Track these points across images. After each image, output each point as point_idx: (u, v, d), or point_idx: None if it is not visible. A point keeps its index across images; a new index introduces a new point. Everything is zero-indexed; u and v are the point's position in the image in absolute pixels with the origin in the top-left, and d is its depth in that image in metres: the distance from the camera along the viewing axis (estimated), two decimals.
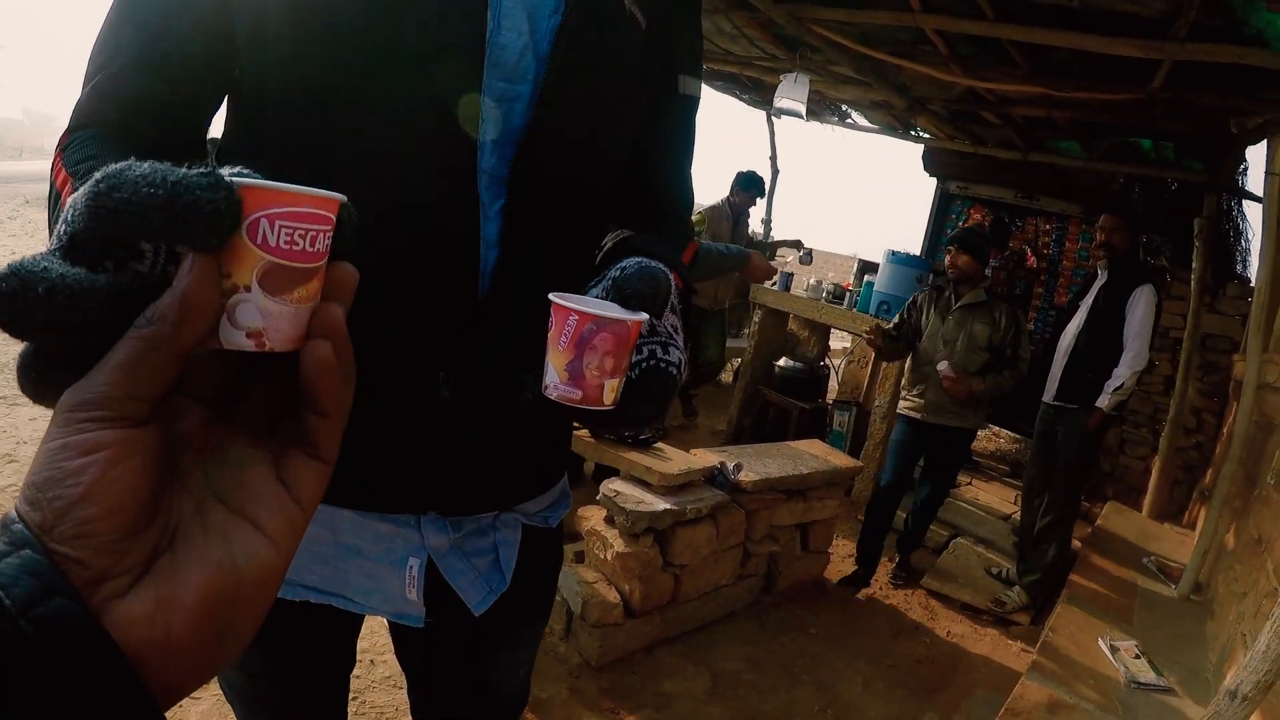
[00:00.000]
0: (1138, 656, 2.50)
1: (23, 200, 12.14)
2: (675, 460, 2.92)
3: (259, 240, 0.36)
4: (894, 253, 4.87)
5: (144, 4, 0.68)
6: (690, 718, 2.47)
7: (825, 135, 6.08)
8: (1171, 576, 3.41)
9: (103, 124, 0.67)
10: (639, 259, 0.67)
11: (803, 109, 4.46)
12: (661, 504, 2.69)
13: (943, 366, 3.38)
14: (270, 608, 0.37)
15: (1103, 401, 3.38)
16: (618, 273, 0.65)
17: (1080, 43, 3.08)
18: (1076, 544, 3.86)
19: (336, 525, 0.81)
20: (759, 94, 5.84)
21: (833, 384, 5.85)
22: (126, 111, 0.68)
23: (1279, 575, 2.32)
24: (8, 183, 14.25)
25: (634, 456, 2.84)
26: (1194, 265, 4.56)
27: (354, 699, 2.21)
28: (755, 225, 6.36)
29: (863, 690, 2.82)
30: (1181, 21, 2.71)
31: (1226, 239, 4.96)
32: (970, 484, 4.94)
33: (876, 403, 4.71)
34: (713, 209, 4.87)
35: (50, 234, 0.42)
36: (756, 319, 5.44)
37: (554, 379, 0.60)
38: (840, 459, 3.72)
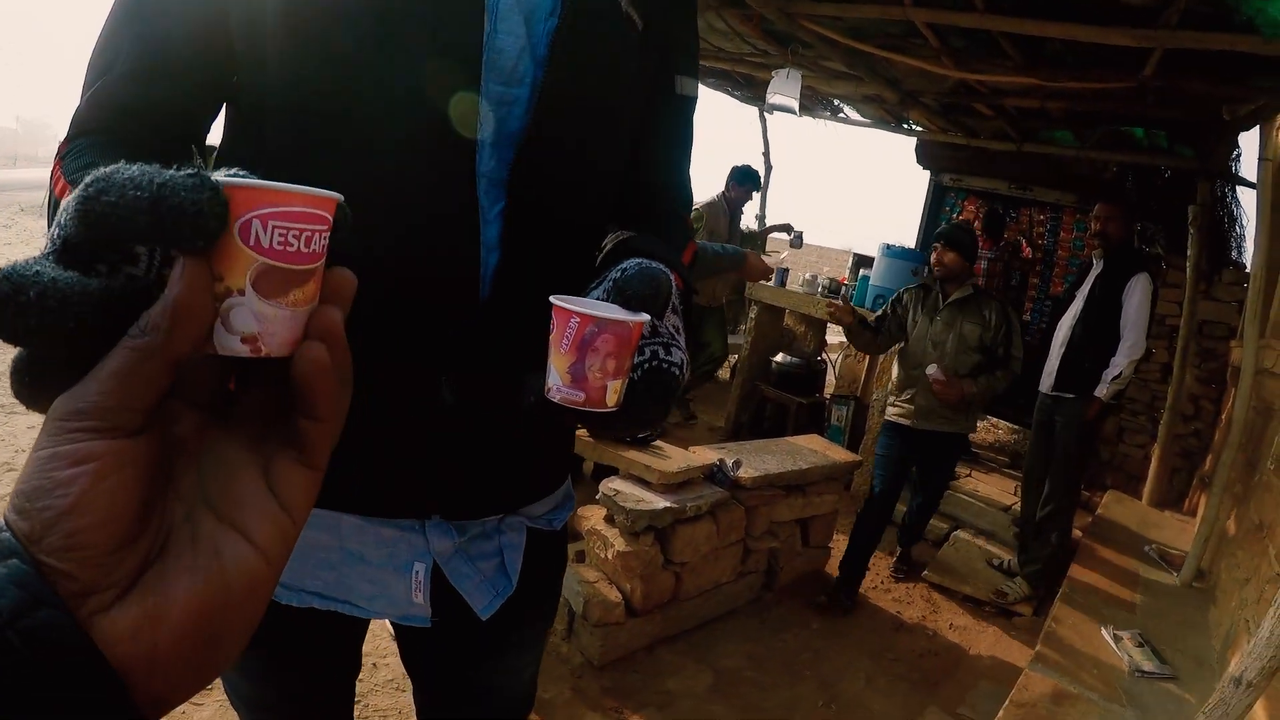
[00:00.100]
0: (1141, 645, 2.49)
1: (18, 208, 12.13)
2: (674, 458, 2.91)
3: (251, 241, 0.35)
4: (889, 246, 4.87)
5: (142, 13, 0.69)
6: (693, 716, 2.47)
7: (818, 130, 6.09)
8: (1173, 564, 3.41)
9: (101, 131, 0.67)
10: (639, 260, 0.67)
11: (795, 105, 4.46)
12: (661, 502, 2.69)
13: (932, 370, 3.23)
14: (261, 618, 0.37)
15: (1101, 391, 3.39)
16: (618, 274, 0.65)
17: (1071, 32, 3.07)
18: (1077, 533, 3.86)
19: (340, 531, 0.80)
20: (751, 90, 5.84)
21: (830, 379, 5.85)
22: (125, 119, 0.68)
23: None
24: (3, 190, 14.23)
25: (633, 455, 2.83)
26: (1189, 252, 4.57)
27: (357, 702, 2.21)
28: (749, 221, 6.37)
29: (865, 685, 2.81)
30: (1172, 9, 2.71)
31: (1221, 225, 4.97)
32: (970, 475, 4.94)
33: (874, 397, 4.71)
34: (710, 205, 4.86)
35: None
36: (752, 315, 5.43)
37: (556, 381, 0.60)
38: (839, 453, 3.72)
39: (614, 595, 2.62)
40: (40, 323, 0.31)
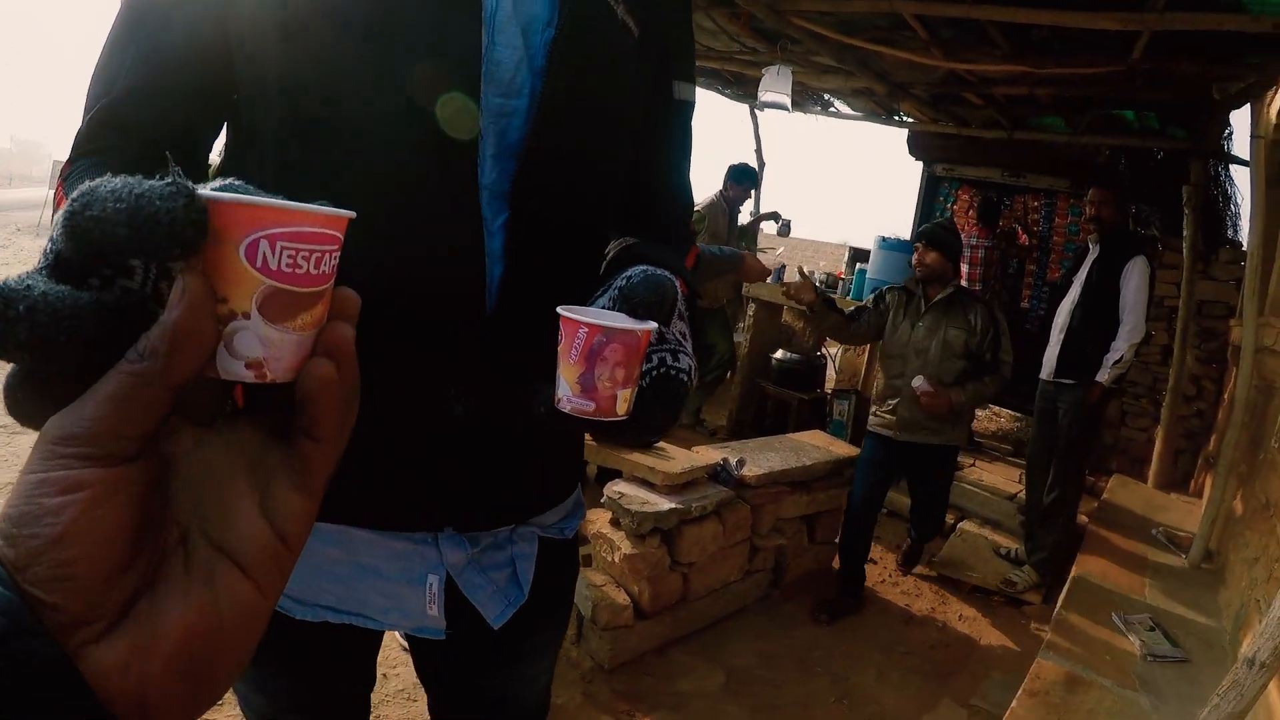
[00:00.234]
0: (1152, 629, 2.49)
1: (14, 228, 12.13)
2: (678, 459, 2.91)
3: (259, 263, 0.34)
4: (885, 239, 4.87)
5: (140, 34, 0.69)
6: (706, 716, 2.46)
7: (809, 125, 6.11)
8: (1181, 546, 3.40)
9: (103, 151, 0.68)
10: (644, 267, 0.67)
11: (788, 101, 4.46)
12: (666, 504, 2.68)
13: (918, 382, 3.06)
14: (254, 650, 0.36)
15: (1102, 375, 3.38)
16: (624, 282, 0.65)
17: (1059, 19, 3.08)
18: (1083, 519, 3.85)
19: (352, 545, 0.80)
20: (741, 88, 5.84)
21: (830, 373, 5.85)
22: (127, 139, 0.68)
23: None
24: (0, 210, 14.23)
25: (636, 457, 2.83)
26: (1185, 233, 4.57)
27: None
28: (743, 217, 6.35)
29: (877, 679, 2.81)
30: None
31: (1215, 205, 4.97)
32: (974, 465, 4.93)
33: (876, 393, 4.71)
34: (710, 206, 4.84)
35: None
36: (750, 313, 5.43)
37: (566, 392, 0.60)
38: (842, 448, 3.71)
39: (622, 598, 2.61)
40: (30, 337, 0.31)
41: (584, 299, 0.68)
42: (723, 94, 6.20)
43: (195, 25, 0.69)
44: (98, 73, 0.70)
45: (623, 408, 0.60)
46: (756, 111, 6.25)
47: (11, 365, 0.33)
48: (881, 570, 3.68)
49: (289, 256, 0.34)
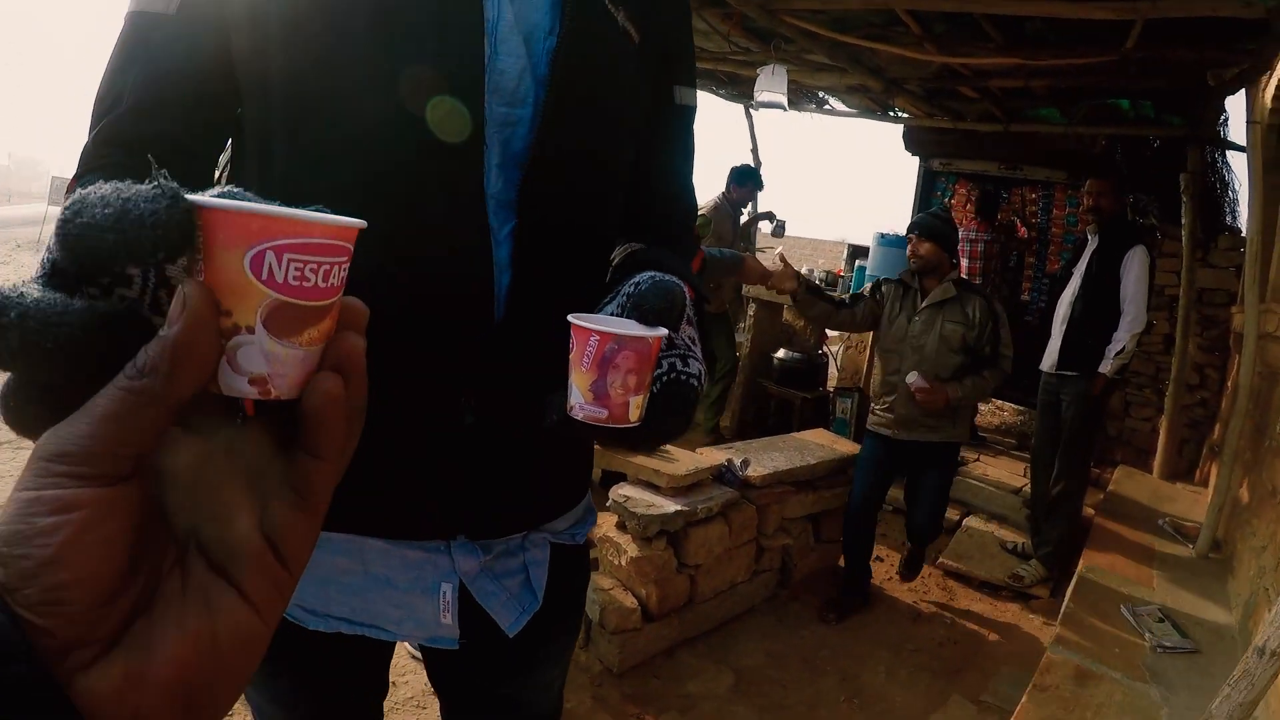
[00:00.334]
0: (1161, 620, 2.48)
1: (14, 244, 12.17)
2: (682, 461, 2.91)
3: (264, 275, 0.32)
4: (883, 235, 4.87)
5: (144, 49, 0.70)
6: (715, 717, 2.46)
7: (804, 123, 6.09)
8: (1188, 536, 3.39)
9: (108, 168, 0.68)
10: (652, 273, 0.67)
11: (784, 100, 4.46)
12: (672, 506, 2.68)
13: (913, 378, 2.97)
14: (252, 675, 0.35)
15: (1105, 367, 3.37)
16: (632, 288, 0.65)
17: (1052, 10, 3.08)
18: (1089, 511, 3.84)
19: (365, 556, 0.80)
20: (735, 88, 5.85)
21: (832, 371, 5.84)
22: (131, 155, 0.69)
23: None
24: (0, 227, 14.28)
25: (641, 460, 2.82)
26: (1183, 221, 4.55)
27: None
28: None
29: (886, 677, 2.80)
30: None
31: (1213, 191, 4.96)
32: (978, 460, 4.92)
33: (874, 391, 4.70)
34: (715, 209, 4.80)
35: None
36: (751, 313, 5.43)
37: (579, 400, 0.60)
38: (846, 446, 3.71)
39: (630, 601, 2.61)
40: (22, 343, 0.31)
41: (591, 306, 0.69)
42: (717, 94, 6.20)
43: (197, 41, 0.70)
44: (102, 90, 0.70)
45: (635, 414, 0.61)
46: (752, 111, 6.24)
47: (8, 374, 0.33)
48: (888, 568, 3.67)
49: (296, 269, 0.33)
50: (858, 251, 5.31)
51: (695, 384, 0.65)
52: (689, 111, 0.95)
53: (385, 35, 0.68)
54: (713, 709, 2.49)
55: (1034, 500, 3.80)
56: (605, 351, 0.58)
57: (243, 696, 1.03)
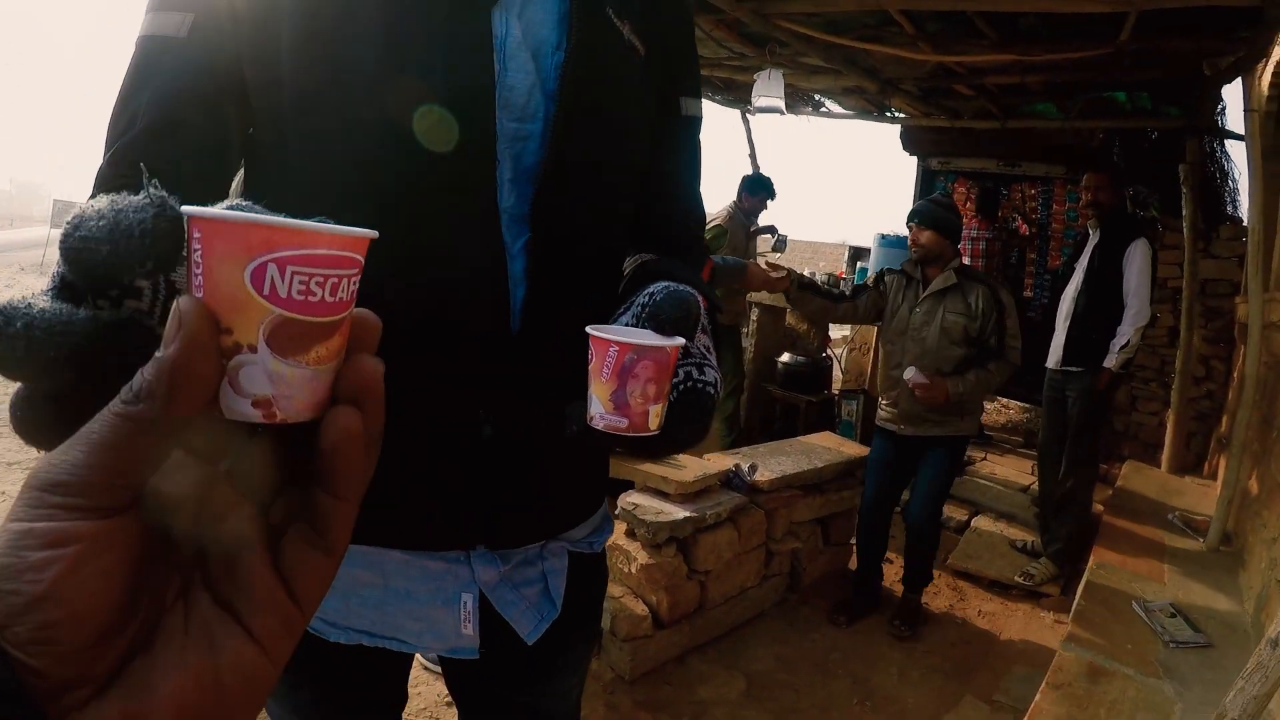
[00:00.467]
0: (1173, 615, 2.47)
1: (18, 268, 12.25)
2: (690, 467, 2.91)
3: (266, 290, 0.30)
4: (884, 236, 4.87)
5: (156, 72, 0.70)
6: None
7: (801, 126, 6.09)
8: (1198, 530, 3.37)
9: (122, 189, 0.68)
10: (666, 283, 0.68)
11: (781, 104, 4.46)
12: (681, 512, 2.68)
13: (910, 373, 2.88)
14: (256, 716, 0.34)
15: (1110, 361, 3.37)
16: (647, 299, 0.67)
17: (1045, 5, 3.08)
18: (1098, 507, 3.83)
19: (385, 568, 0.81)
20: (732, 93, 5.85)
21: (836, 374, 5.83)
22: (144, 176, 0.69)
23: None
24: (3, 252, 14.37)
25: (649, 467, 2.82)
26: (1184, 212, 4.54)
27: None
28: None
29: (899, 679, 2.79)
30: None
31: (1213, 181, 4.95)
32: (985, 459, 4.91)
33: (878, 387, 4.70)
34: (729, 218, 4.73)
35: None
36: (754, 318, 5.43)
37: (599, 410, 0.61)
38: (853, 448, 3.71)
39: (640, 608, 2.61)
40: (28, 352, 0.32)
41: (605, 317, 0.70)
42: (714, 100, 6.21)
43: (208, 63, 0.71)
44: (115, 113, 0.71)
45: (654, 423, 0.62)
46: (749, 116, 6.25)
47: (19, 384, 0.34)
48: (899, 569, 3.65)
49: (301, 282, 0.31)
50: (859, 253, 5.30)
51: (712, 392, 0.66)
52: (695, 122, 0.97)
53: (396, 54, 0.69)
54: (725, 714, 2.49)
55: (1042, 498, 3.78)
56: (625, 362, 0.59)
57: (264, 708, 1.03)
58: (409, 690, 2.47)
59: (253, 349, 0.31)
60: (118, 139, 0.70)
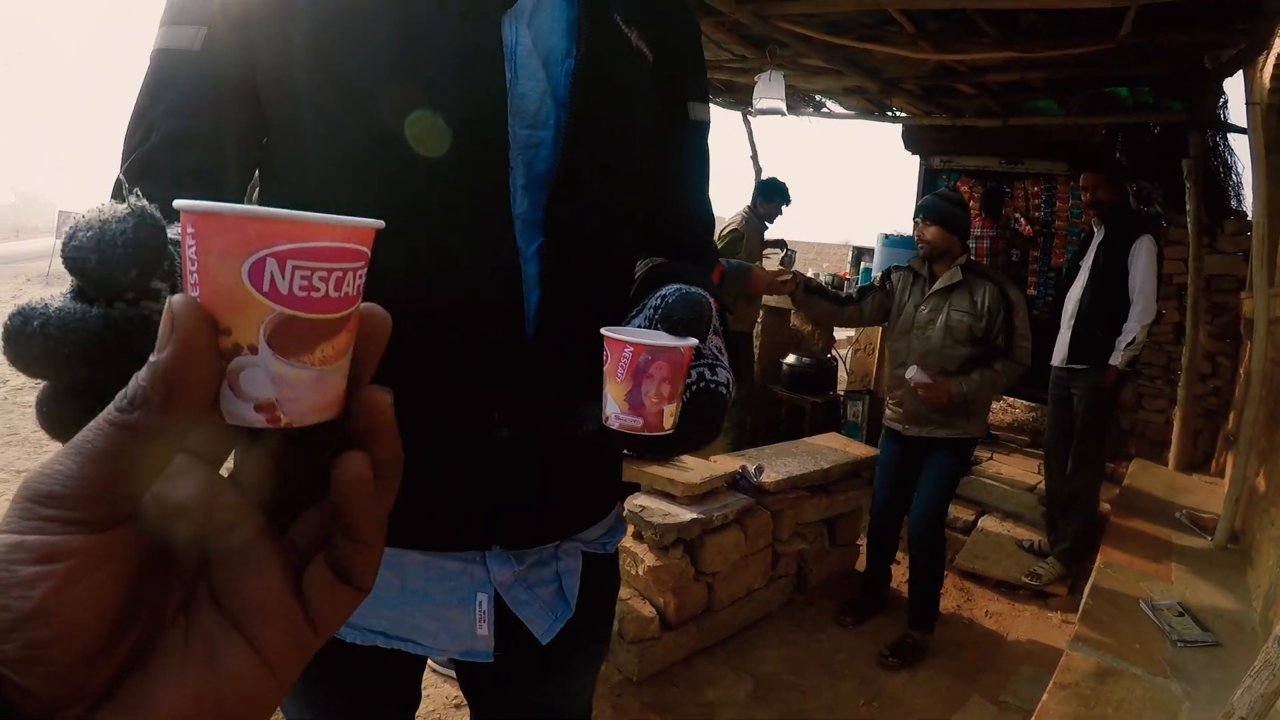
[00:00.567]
0: (1181, 614, 2.46)
1: (24, 279, 12.32)
2: (696, 469, 2.91)
3: (266, 286, 0.29)
4: (888, 235, 4.86)
5: (171, 85, 0.72)
6: None
7: (802, 127, 6.08)
8: (1205, 528, 3.36)
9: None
10: (677, 286, 0.70)
11: (782, 105, 4.47)
12: (688, 514, 2.69)
13: (912, 372, 2.80)
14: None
15: (1116, 359, 3.36)
16: (659, 301, 0.68)
17: (1045, 2, 3.07)
18: (1105, 506, 3.81)
19: (403, 568, 0.82)
20: (733, 95, 5.86)
21: (842, 375, 5.82)
22: (162, 186, 0.71)
23: None
24: (9, 263, 14.48)
25: (655, 469, 2.83)
26: (1188, 207, 4.50)
27: None
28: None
29: (906, 680, 2.79)
30: None
31: (1217, 176, 4.92)
32: (991, 458, 4.89)
33: (885, 386, 4.69)
34: (745, 223, 4.71)
35: None
36: (759, 320, 5.42)
37: (614, 409, 0.63)
38: (859, 449, 3.71)
39: (648, 610, 2.62)
40: (44, 349, 0.33)
41: (618, 320, 0.72)
42: (715, 102, 6.21)
43: (222, 75, 0.72)
44: (131, 125, 0.73)
45: (669, 422, 0.63)
46: (750, 118, 6.26)
47: (44, 384, 0.36)
48: (906, 570, 3.65)
49: (303, 277, 0.29)
50: (863, 254, 5.29)
51: (724, 392, 0.67)
52: (703, 127, 0.98)
53: (410, 63, 0.70)
54: (732, 716, 2.49)
55: (1049, 497, 3.77)
56: (639, 362, 0.60)
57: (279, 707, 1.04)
58: None
59: (253, 350, 0.29)
60: (134, 150, 0.72)
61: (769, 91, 4.33)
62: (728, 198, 5.93)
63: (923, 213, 2.90)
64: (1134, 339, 3.33)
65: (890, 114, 5.84)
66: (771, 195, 4.86)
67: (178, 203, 0.29)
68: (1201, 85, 4.19)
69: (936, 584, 3.01)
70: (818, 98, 5.85)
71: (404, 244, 0.68)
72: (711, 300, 0.71)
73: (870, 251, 5.08)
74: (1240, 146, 4.91)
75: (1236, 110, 4.61)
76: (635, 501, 2.74)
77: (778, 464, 3.24)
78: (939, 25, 3.76)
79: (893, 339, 3.01)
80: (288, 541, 0.33)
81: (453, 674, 2.46)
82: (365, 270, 0.31)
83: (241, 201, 0.78)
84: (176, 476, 0.31)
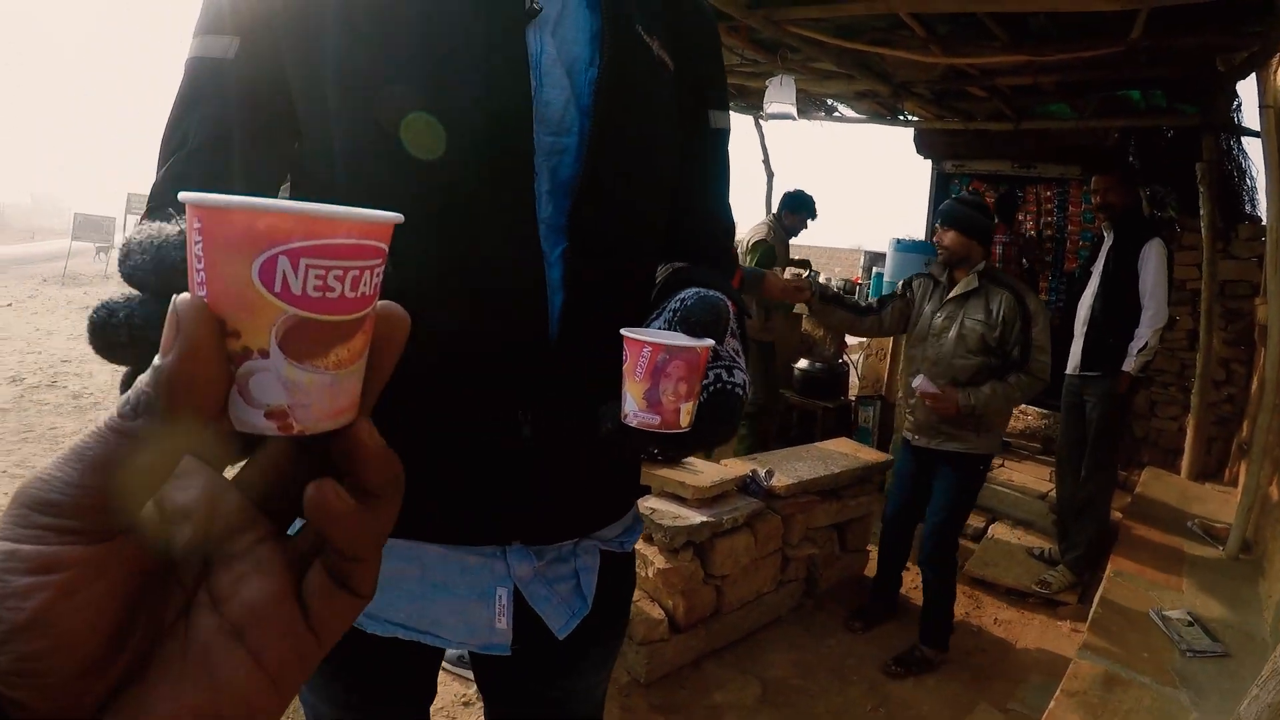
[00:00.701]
0: (1190, 624, 2.45)
1: (41, 279, 12.48)
2: (707, 472, 2.92)
3: (277, 286, 0.27)
4: (900, 240, 4.85)
5: (205, 92, 0.75)
6: None
7: (814, 131, 6.08)
8: (1217, 537, 3.33)
9: (172, 204, 0.74)
10: (696, 289, 0.72)
11: (793, 110, 4.48)
12: (698, 517, 2.70)
13: (918, 382, 2.74)
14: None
15: (1128, 365, 3.34)
16: (678, 304, 0.71)
17: (1056, 5, 3.07)
18: (1117, 514, 3.79)
19: (424, 561, 0.84)
20: (744, 100, 5.86)
21: (853, 380, 5.82)
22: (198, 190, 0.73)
23: None
24: (25, 264, 14.67)
25: (665, 472, 2.84)
26: (1202, 211, 4.46)
27: None
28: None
29: (914, 686, 2.79)
30: None
31: (1231, 180, 4.87)
32: (1003, 465, 4.87)
33: (900, 394, 4.68)
34: (771, 234, 4.70)
35: None
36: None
37: (633, 407, 0.65)
38: (870, 454, 3.71)
39: (657, 613, 2.63)
40: (130, 337, 0.38)
41: (639, 322, 0.74)
42: None
43: (255, 83, 0.75)
44: (168, 132, 0.76)
45: (685, 420, 0.65)
46: (761, 122, 6.26)
47: (125, 369, 0.40)
48: (915, 575, 3.64)
49: (317, 276, 0.27)
50: (875, 258, 5.28)
51: (740, 393, 0.69)
52: (723, 134, 1.00)
53: (437, 71, 0.73)
54: (740, 719, 2.50)
55: (1060, 505, 3.76)
56: (657, 361, 0.63)
57: (296, 697, 1.05)
58: None
59: (264, 354, 0.28)
60: (171, 155, 0.75)
61: (780, 96, 4.34)
62: (740, 202, 5.89)
63: (941, 217, 2.86)
64: (1146, 343, 3.31)
65: (902, 118, 5.84)
66: (797, 208, 4.84)
67: (183, 195, 0.27)
68: (1214, 88, 4.16)
69: (948, 602, 2.94)
70: (829, 102, 5.85)
71: (433, 248, 0.71)
72: (729, 304, 0.73)
73: (883, 257, 5.06)
74: (1254, 150, 4.86)
75: (1250, 113, 4.58)
76: (646, 504, 2.75)
77: (788, 468, 3.25)
78: (949, 29, 3.76)
79: (910, 346, 2.96)
80: (290, 546, 0.32)
81: (461, 672, 2.49)
82: (382, 268, 0.30)
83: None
84: (180, 479, 0.30)
